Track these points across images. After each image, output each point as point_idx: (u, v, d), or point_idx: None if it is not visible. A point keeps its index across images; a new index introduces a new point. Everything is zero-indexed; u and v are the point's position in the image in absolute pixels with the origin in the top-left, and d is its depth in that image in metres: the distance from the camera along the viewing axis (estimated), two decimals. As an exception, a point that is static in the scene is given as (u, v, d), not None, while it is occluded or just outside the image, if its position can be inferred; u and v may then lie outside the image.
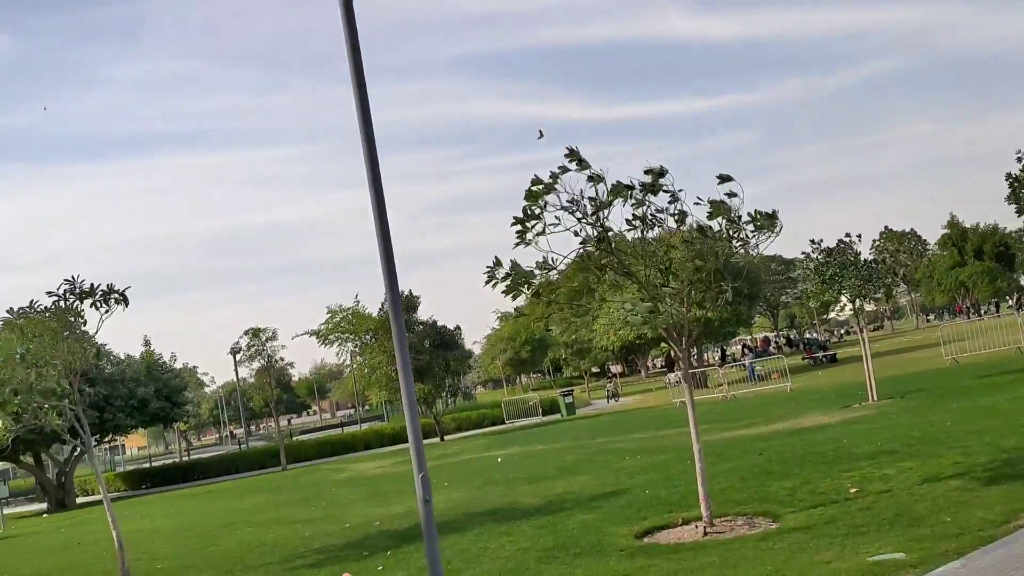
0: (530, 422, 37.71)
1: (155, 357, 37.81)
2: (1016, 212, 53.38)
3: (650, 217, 8.67)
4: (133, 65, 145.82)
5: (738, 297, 44.83)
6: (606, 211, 8.49)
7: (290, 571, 10.72)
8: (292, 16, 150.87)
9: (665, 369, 79.42)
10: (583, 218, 8.54)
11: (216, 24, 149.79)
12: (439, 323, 38.40)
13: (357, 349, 46.03)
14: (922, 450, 11.73)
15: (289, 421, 45.02)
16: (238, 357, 37.51)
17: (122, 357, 37.63)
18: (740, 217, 8.92)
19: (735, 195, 8.73)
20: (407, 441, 24.39)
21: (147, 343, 38.18)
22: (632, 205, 8.63)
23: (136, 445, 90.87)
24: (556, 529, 10.21)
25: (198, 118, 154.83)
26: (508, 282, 8.68)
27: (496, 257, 8.65)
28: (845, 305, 22.78)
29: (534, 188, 8.24)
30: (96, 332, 11.59)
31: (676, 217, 8.89)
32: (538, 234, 8.38)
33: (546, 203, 8.30)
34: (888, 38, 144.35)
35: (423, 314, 37.95)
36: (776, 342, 79.52)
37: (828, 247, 22.29)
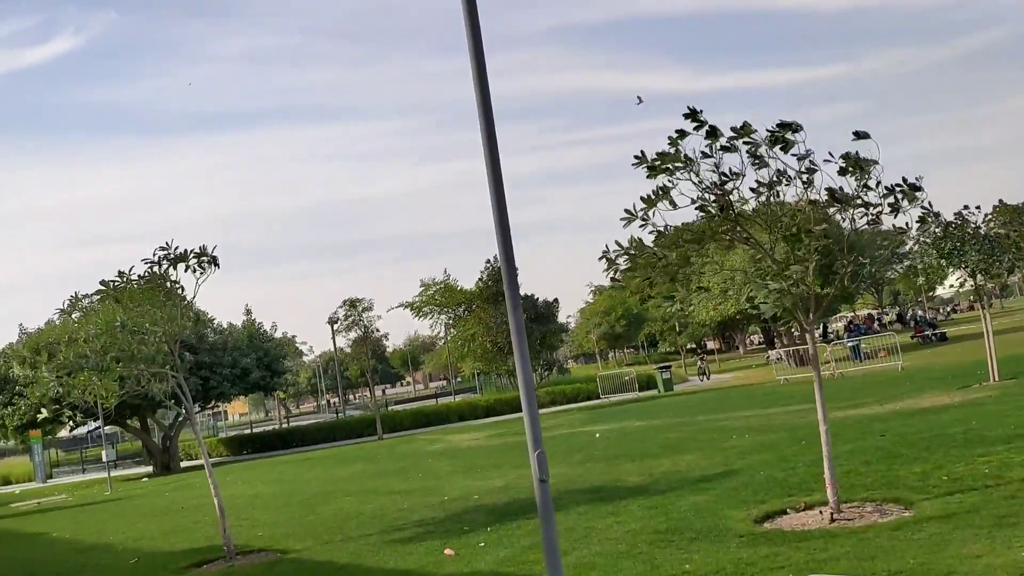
0: (626, 397, 37.02)
1: (256, 326, 38.50)
2: None
3: (775, 178, 7.97)
4: (235, 41, 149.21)
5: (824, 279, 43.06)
6: (735, 180, 7.84)
7: (389, 544, 10.46)
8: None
9: (764, 346, 77.60)
10: (701, 183, 7.90)
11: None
12: (535, 296, 38.03)
13: (451, 321, 46.22)
14: (1068, 436, 10.75)
15: (383, 391, 45.43)
16: (335, 327, 37.87)
17: (225, 326, 38.48)
18: (879, 183, 8.14)
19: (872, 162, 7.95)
20: (501, 414, 24.30)
21: (248, 312, 38.95)
22: (754, 161, 7.94)
23: (238, 411, 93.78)
24: (667, 510, 9.66)
25: (297, 93, 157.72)
26: (631, 266, 8.13)
27: (617, 241, 8.12)
28: (965, 281, 21.31)
29: (658, 163, 7.64)
30: (194, 297, 11.50)
31: (805, 179, 8.16)
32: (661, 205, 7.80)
33: (670, 169, 7.69)
34: (993, 7, 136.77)
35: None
36: (880, 319, 76.65)
37: (946, 220, 20.93)
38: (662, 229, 8.10)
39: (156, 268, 11.14)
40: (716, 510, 9.24)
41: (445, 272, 57.74)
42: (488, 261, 37.16)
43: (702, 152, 7.82)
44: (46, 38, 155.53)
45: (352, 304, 35.80)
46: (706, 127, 7.73)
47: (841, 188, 8.06)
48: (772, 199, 8.15)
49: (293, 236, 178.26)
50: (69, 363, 11.34)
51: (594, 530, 9.19)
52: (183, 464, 37.88)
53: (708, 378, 43.66)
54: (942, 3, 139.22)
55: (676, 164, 7.68)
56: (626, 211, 7.84)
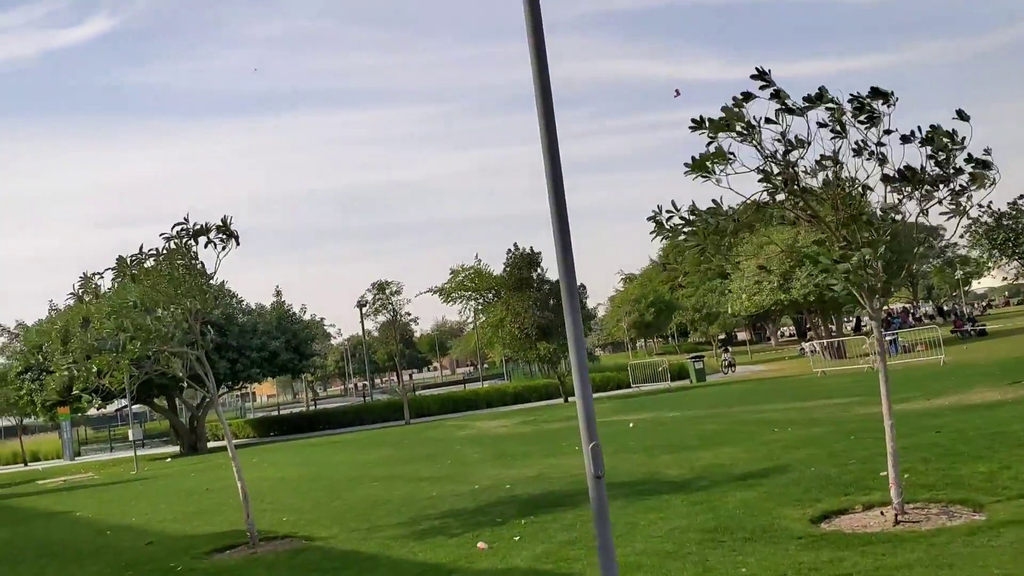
0: (658, 387, 36.39)
1: (286, 309, 38.24)
2: None
3: (853, 149, 7.36)
4: (269, 24, 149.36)
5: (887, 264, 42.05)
6: (802, 149, 7.24)
7: (418, 534, 9.98)
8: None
9: (795, 338, 76.47)
10: (763, 151, 7.31)
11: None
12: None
13: (480, 306, 45.71)
14: None
15: (410, 376, 45.10)
16: (364, 310, 37.49)
17: (253, 307, 38.26)
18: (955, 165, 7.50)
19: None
20: (529, 401, 23.74)
21: (278, 294, 38.61)
22: (833, 130, 7.33)
23: (265, 392, 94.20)
24: (713, 507, 9.09)
25: (329, 77, 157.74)
26: (686, 231, 7.54)
27: (672, 201, 7.53)
28: (1021, 274, 20.61)
29: (724, 122, 7.05)
30: (215, 273, 11.04)
31: (881, 154, 7.53)
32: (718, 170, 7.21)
33: (737, 130, 7.11)
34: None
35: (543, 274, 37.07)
36: (914, 313, 75.31)
37: (999, 210, 20.15)
38: (715, 197, 7.48)
39: (175, 242, 10.69)
40: (767, 508, 8.66)
41: (476, 257, 57.24)
42: (510, 249, 36.57)
43: (766, 119, 7.22)
44: (81, 19, 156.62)
45: (381, 287, 35.40)
46: (773, 89, 7.12)
47: (921, 167, 7.43)
48: (841, 174, 7.53)
49: (323, 219, 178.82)
50: (86, 347, 10.94)
51: (636, 527, 8.65)
52: (210, 445, 37.78)
53: (734, 370, 42.62)
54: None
55: (741, 126, 7.07)
56: (692, 158, 7.26)
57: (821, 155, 7.43)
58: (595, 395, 30.60)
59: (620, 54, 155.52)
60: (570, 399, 34.32)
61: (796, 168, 7.33)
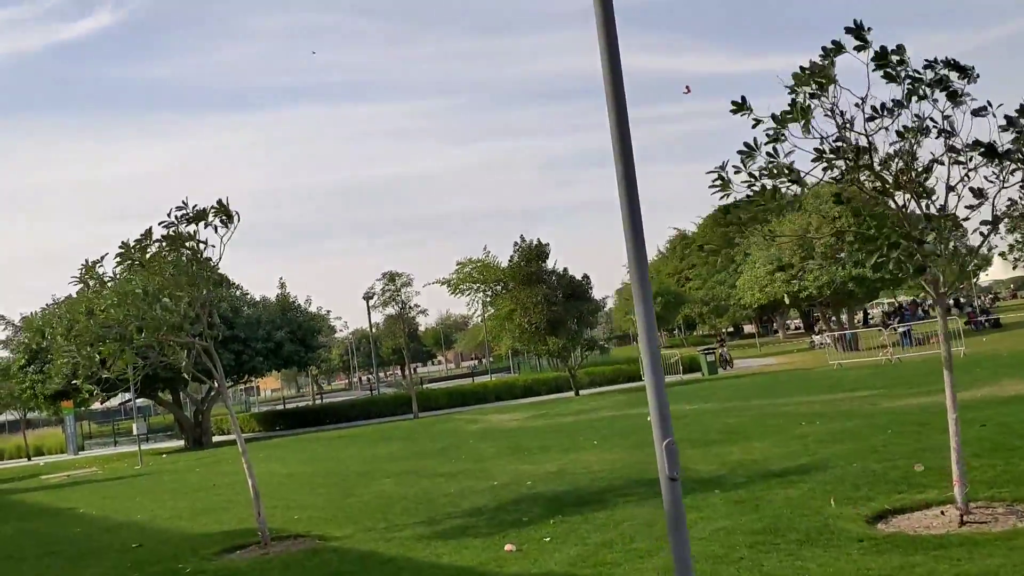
0: (670, 380, 35.76)
1: (290, 300, 37.69)
2: None
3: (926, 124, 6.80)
4: (275, 17, 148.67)
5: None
6: (884, 118, 6.68)
7: (440, 535, 9.44)
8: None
9: (802, 331, 75.80)
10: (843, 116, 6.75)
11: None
12: (570, 273, 36.69)
13: (488, 299, 45.16)
14: None
15: (414, 370, 44.59)
16: (372, 302, 36.89)
17: (258, 299, 37.73)
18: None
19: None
20: (538, 394, 22.96)
21: (282, 285, 38.03)
22: (910, 94, 6.78)
23: (270, 387, 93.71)
24: (757, 506, 8.53)
25: (332, 70, 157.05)
26: (752, 193, 6.96)
27: (743, 152, 6.92)
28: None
29: (809, 75, 6.49)
30: (220, 258, 10.48)
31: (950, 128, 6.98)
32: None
33: (823, 84, 6.54)
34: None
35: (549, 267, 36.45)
36: (922, 305, 74.57)
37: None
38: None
39: (175, 228, 10.13)
40: (816, 507, 8.11)
41: (485, 249, 56.68)
42: (516, 242, 35.96)
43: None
44: (84, 14, 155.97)
45: (391, 278, 34.80)
46: (872, 48, 6.55)
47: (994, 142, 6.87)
48: (913, 147, 6.96)
49: (327, 214, 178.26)
50: (89, 334, 10.39)
51: (676, 526, 8.09)
52: (215, 439, 37.27)
53: (731, 366, 40.73)
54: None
55: (829, 82, 6.49)
56: (756, 119, 6.70)
57: (903, 126, 6.87)
58: (605, 388, 30.05)
59: (626, 46, 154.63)
60: (581, 392, 33.78)
61: (872, 137, 6.77)
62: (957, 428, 7.37)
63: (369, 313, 38.38)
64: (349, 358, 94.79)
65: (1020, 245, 19.52)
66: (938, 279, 7.36)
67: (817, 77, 6.53)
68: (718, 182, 6.83)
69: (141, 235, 10.26)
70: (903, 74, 6.90)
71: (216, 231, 10.29)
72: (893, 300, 74.84)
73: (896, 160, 7.27)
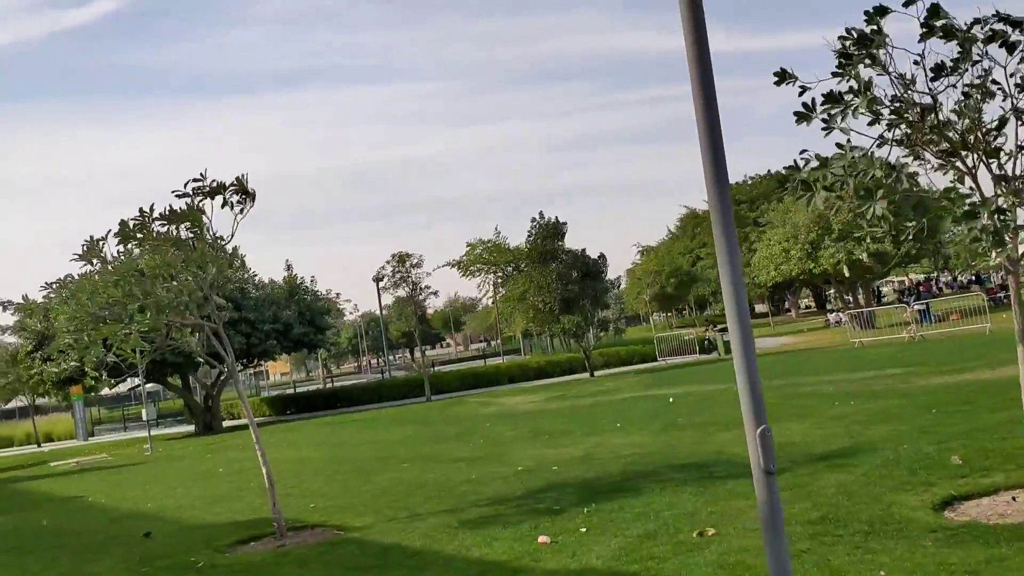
0: (686, 360, 35.23)
1: (297, 281, 37.13)
2: None
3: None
4: (276, 1, 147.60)
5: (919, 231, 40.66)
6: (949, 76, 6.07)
7: (467, 525, 8.90)
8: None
9: (814, 309, 75.12)
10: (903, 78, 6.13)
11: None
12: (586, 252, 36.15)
13: (499, 280, 44.68)
14: None
15: (423, 352, 44.20)
16: (382, 284, 36.34)
17: (266, 281, 37.19)
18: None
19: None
20: (552, 376, 22.26)
21: (289, 267, 37.42)
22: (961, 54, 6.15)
23: (279, 371, 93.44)
24: (808, 493, 7.96)
25: (335, 54, 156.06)
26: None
27: (805, 103, 6.32)
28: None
29: (861, 44, 5.87)
30: (232, 236, 9.90)
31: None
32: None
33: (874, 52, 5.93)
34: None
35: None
36: (936, 283, 73.87)
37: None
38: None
39: (187, 203, 9.55)
40: (875, 494, 7.53)
41: (496, 230, 56.17)
42: (534, 218, 35.29)
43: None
44: (86, 0, 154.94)
45: (401, 259, 34.20)
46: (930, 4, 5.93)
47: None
48: (981, 104, 6.35)
49: (333, 198, 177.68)
50: (89, 314, 9.84)
51: (724, 516, 7.54)
52: (225, 423, 36.88)
53: (721, 353, 37.07)
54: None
55: (880, 44, 5.89)
56: (802, 86, 6.09)
57: (967, 85, 6.26)
58: (619, 369, 29.47)
59: (633, 27, 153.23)
60: (596, 374, 33.23)
61: (937, 97, 6.15)
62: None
63: (379, 295, 37.89)
64: (358, 341, 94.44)
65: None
66: (1017, 251, 6.74)
67: (868, 39, 5.92)
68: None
69: (140, 211, 9.69)
70: (958, 29, 6.29)
71: (232, 208, 9.72)
72: (904, 278, 74.15)
73: (962, 119, 6.67)
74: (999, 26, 6.34)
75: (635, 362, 37.29)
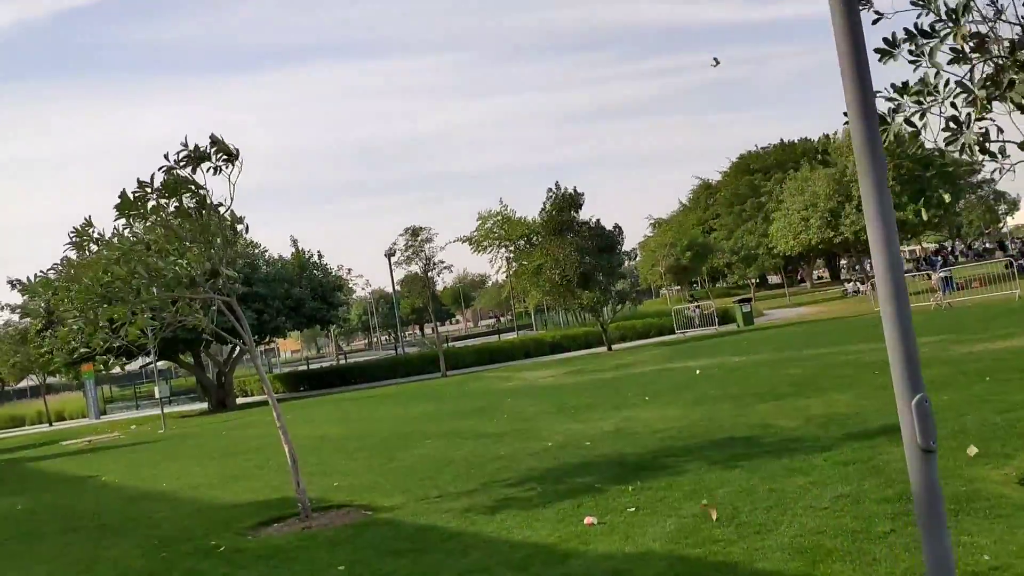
0: (705, 332, 34.64)
1: (306, 256, 36.61)
2: None
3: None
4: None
5: (940, 198, 39.86)
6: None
7: (503, 504, 8.37)
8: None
9: (828, 280, 74.32)
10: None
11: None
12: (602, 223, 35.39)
13: (511, 254, 44.01)
14: None
15: (436, 328, 43.70)
16: (394, 259, 35.76)
17: (276, 257, 36.71)
18: None
19: None
20: (568, 350, 21.56)
21: (295, 242, 36.84)
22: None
23: (289, 349, 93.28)
24: (876, 468, 7.39)
25: (343, 27, 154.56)
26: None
27: (886, 38, 5.69)
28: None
29: None
30: (231, 201, 9.31)
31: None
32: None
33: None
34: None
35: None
36: (951, 251, 72.96)
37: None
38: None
39: (176, 174, 8.96)
40: (950, 468, 6.96)
41: (501, 202, 55.42)
42: (550, 189, 34.48)
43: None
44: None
45: (414, 232, 33.58)
46: None
47: None
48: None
49: (343, 173, 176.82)
50: (96, 295, 9.28)
51: (785, 494, 6.98)
52: (239, 400, 36.53)
53: (707, 327, 36.14)
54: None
55: None
56: (877, 14, 5.47)
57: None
58: (637, 342, 28.91)
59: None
60: (614, 347, 32.67)
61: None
62: None
63: (391, 270, 37.25)
64: (368, 318, 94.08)
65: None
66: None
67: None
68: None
69: (139, 182, 9.10)
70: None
71: (219, 172, 9.13)
72: (916, 247, 73.24)
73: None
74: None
75: (652, 335, 36.75)
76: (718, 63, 6.27)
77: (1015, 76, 6.07)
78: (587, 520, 7.19)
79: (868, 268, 44.95)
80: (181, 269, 9.41)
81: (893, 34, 5.89)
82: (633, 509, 7.33)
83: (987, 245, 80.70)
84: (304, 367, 50.37)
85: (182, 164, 9.01)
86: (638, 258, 63.78)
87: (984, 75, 5.96)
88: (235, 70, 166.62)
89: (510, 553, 6.63)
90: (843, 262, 71.07)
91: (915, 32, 5.90)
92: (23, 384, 53.17)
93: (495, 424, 14.90)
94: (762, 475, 7.78)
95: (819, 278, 79.32)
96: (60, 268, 22.63)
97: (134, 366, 41.93)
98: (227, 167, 9.12)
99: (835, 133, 56.39)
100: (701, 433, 10.71)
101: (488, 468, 10.55)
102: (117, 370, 44.92)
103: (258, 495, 11.18)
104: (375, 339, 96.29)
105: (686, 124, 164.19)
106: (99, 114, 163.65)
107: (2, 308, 35.99)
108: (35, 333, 33.90)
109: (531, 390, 20.84)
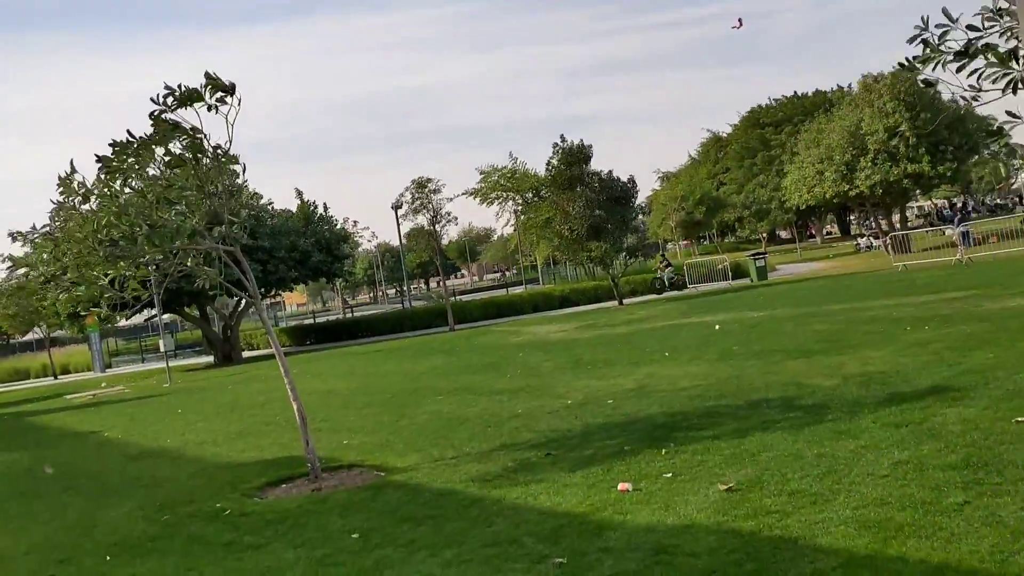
0: (718, 287, 34.02)
1: (311, 208, 35.93)
2: None
3: None
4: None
5: (956, 151, 39.00)
6: None
7: (526, 466, 7.86)
8: None
9: (838, 235, 73.47)
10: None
11: None
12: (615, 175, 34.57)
13: (519, 207, 43.28)
14: None
15: (443, 282, 43.27)
16: (401, 212, 35.09)
17: (280, 210, 36.06)
18: None
19: None
20: (577, 304, 20.87)
21: (300, 194, 36.10)
22: None
23: (295, 302, 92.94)
24: (933, 431, 6.83)
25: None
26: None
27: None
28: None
29: None
30: (230, 144, 8.65)
31: None
32: None
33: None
34: None
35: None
36: (964, 206, 72.03)
37: None
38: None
39: (169, 113, 8.28)
40: (1015, 431, 6.40)
41: (511, 155, 54.49)
42: (556, 144, 33.61)
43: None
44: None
45: (421, 185, 32.84)
46: None
47: None
48: None
49: (347, 127, 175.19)
50: (94, 253, 8.69)
51: (838, 461, 6.43)
52: (244, 354, 36.13)
53: (680, 290, 34.78)
54: None
55: None
56: None
57: None
58: (647, 296, 28.28)
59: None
60: (624, 302, 32.10)
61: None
62: None
63: (398, 223, 36.65)
64: (374, 272, 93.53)
65: None
66: None
67: None
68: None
69: (129, 133, 8.44)
70: None
71: (215, 111, 8.45)
72: (927, 203, 72.22)
73: None
74: None
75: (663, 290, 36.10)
76: (741, 24, 5.57)
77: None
78: (621, 487, 6.67)
79: (883, 223, 44.20)
80: (183, 222, 8.81)
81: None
82: (669, 475, 6.81)
83: (998, 201, 79.67)
84: (311, 320, 49.93)
85: (172, 107, 8.34)
86: (650, 214, 62.88)
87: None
88: (236, 23, 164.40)
89: (539, 523, 6.11)
90: (852, 217, 70.05)
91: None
92: (28, 337, 52.83)
93: (508, 380, 14.39)
94: (807, 438, 7.24)
95: (828, 233, 78.48)
96: (54, 221, 22.09)
97: (139, 319, 41.51)
98: (223, 106, 8.46)
99: (848, 86, 55.19)
100: (731, 392, 10.17)
101: (506, 427, 10.04)
102: (122, 322, 44.54)
103: (265, 453, 10.72)
104: (380, 293, 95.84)
105: (694, 78, 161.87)
106: (96, 66, 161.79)
107: (3, 259, 35.25)
108: (40, 284, 33.42)
109: (543, 344, 20.32)
